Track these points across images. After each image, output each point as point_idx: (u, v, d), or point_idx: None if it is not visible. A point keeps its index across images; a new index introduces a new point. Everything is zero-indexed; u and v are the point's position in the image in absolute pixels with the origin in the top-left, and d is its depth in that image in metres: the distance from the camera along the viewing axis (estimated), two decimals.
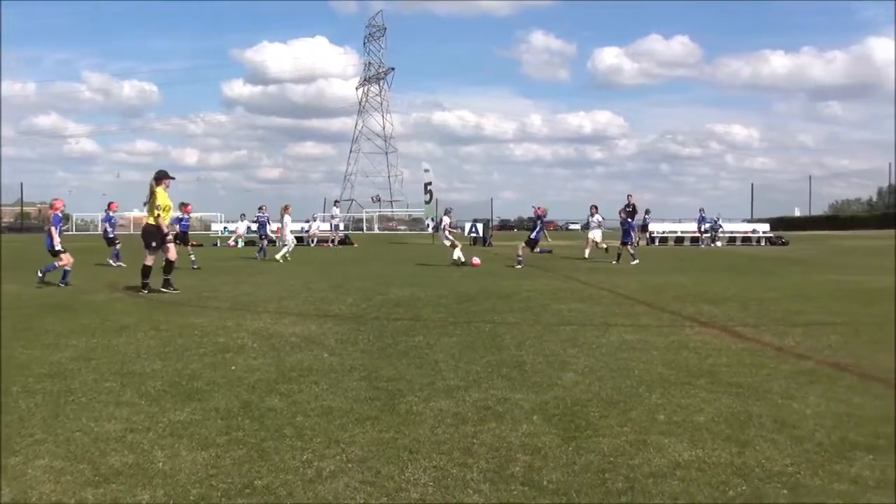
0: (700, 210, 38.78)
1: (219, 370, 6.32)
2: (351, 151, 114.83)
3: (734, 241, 40.38)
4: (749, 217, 68.23)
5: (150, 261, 12.52)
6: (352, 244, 38.22)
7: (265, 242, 25.12)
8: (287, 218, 23.76)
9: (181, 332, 8.27)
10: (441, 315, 9.84)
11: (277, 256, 22.33)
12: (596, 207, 24.77)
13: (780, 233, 44.64)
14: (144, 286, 12.43)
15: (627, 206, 25.55)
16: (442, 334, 8.21)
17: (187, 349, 7.27)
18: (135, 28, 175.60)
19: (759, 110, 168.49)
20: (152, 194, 12.29)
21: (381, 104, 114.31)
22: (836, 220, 77.17)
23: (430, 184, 39.30)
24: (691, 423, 4.69)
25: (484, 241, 37.90)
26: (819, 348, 7.27)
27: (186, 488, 3.65)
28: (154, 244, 12.32)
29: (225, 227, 41.76)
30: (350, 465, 3.96)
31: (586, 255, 23.48)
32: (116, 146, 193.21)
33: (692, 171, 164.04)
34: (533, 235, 20.20)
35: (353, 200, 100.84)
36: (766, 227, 43.97)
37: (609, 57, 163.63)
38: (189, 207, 21.25)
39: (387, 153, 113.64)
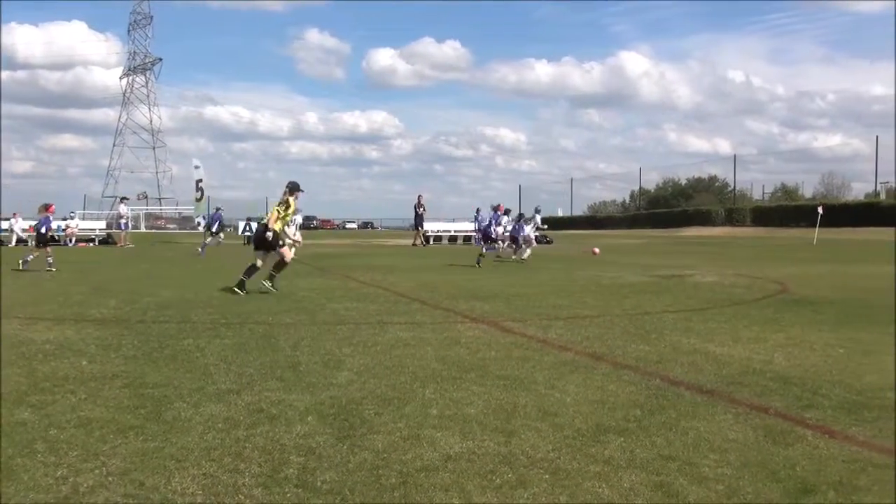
0: (476, 210, 40.29)
1: None
2: (114, 145, 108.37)
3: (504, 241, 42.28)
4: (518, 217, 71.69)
5: (259, 263, 12.79)
6: (115, 244, 35.99)
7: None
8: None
9: None
10: (212, 317, 9.51)
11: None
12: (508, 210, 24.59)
13: (545, 232, 47.34)
14: (240, 283, 12.50)
15: (418, 205, 26.38)
16: (213, 337, 7.94)
17: None
18: None
19: (526, 115, 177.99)
20: (286, 204, 12.79)
21: (148, 96, 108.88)
22: (594, 219, 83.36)
23: (200, 181, 37.78)
24: (462, 416, 4.86)
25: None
26: (578, 340, 7.79)
27: None
28: (268, 247, 12.69)
29: None
30: (111, 479, 3.73)
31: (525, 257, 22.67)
32: None
33: (465, 171, 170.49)
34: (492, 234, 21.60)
35: (116, 197, 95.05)
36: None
37: (384, 58, 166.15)
38: (52, 208, 19.68)
39: (154, 148, 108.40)
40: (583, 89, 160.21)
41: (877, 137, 64.77)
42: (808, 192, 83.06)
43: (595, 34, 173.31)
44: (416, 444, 4.29)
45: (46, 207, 18.82)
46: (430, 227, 41.61)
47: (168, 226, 70.81)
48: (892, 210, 52.57)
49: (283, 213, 12.77)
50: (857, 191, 74.11)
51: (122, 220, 35.53)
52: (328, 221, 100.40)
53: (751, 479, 3.74)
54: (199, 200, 38.61)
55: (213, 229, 28.41)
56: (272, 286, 12.61)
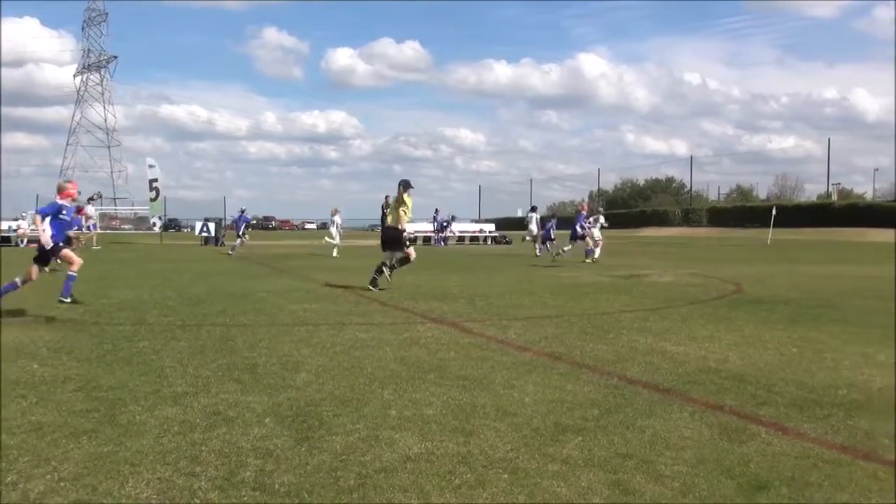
0: (435, 210, 40.36)
1: None
2: (68, 144, 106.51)
3: (463, 241, 42.40)
4: (477, 217, 72.04)
5: (410, 255, 13.18)
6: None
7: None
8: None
9: None
10: (168, 319, 9.39)
11: None
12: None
13: (505, 232, 47.60)
14: (373, 281, 13.01)
15: (386, 206, 27.07)
16: (169, 339, 7.84)
17: None
18: None
19: (485, 116, 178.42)
20: (402, 201, 13.11)
21: (103, 94, 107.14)
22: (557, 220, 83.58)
23: (155, 180, 37.36)
24: (421, 417, 4.85)
25: (216, 240, 36.76)
26: (537, 340, 7.83)
27: None
28: (398, 247, 13.12)
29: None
30: (63, 484, 3.66)
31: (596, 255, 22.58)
32: None
33: (424, 172, 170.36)
34: (578, 229, 21.22)
35: (85, 197, 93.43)
36: (493, 226, 46.68)
37: (342, 57, 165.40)
38: (84, 211, 20.81)
39: (109, 147, 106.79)
40: (542, 90, 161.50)
41: (829, 140, 66.36)
42: (762, 193, 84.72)
43: (554, 36, 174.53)
44: (375, 445, 4.28)
45: (78, 210, 19.44)
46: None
47: (123, 226, 69.71)
48: (844, 211, 53.75)
49: (408, 212, 13.24)
50: (810, 192, 75.72)
51: (91, 221, 34.89)
52: (287, 222, 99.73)
53: (706, 476, 3.79)
54: (153, 200, 38.12)
55: (240, 231, 28.09)
56: (389, 276, 13.22)
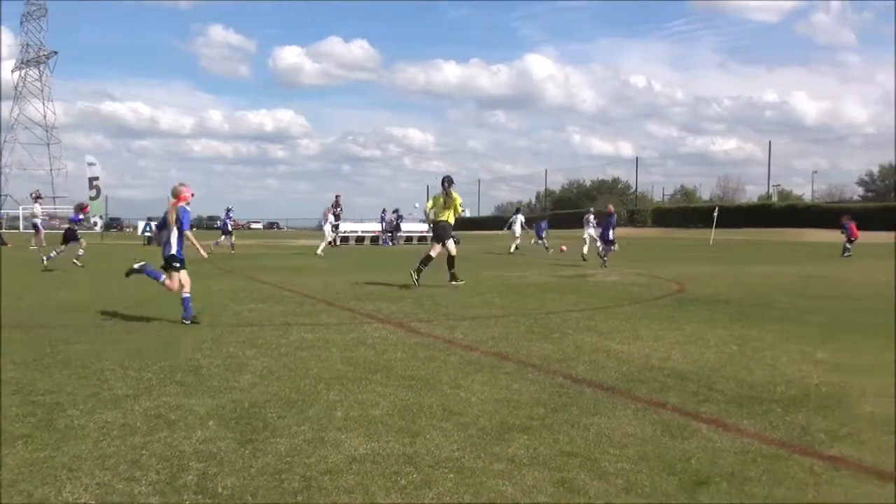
0: (383, 210, 40.25)
1: None
2: (5, 141, 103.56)
3: (411, 241, 42.35)
4: (423, 218, 71.97)
5: (435, 252, 13.98)
6: (5, 244, 34.43)
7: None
8: None
9: None
10: (109, 320, 9.20)
11: None
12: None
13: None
14: (419, 272, 13.69)
15: (335, 206, 27.91)
16: (110, 341, 7.69)
17: None
18: None
19: (434, 116, 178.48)
20: (449, 196, 13.87)
21: (42, 90, 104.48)
22: (502, 220, 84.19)
23: (96, 178, 36.63)
24: (367, 418, 4.84)
25: (150, 240, 36.15)
26: (484, 339, 7.86)
27: None
28: (445, 240, 13.92)
29: None
30: None
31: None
32: None
33: (373, 172, 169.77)
34: (610, 236, 20.75)
35: (8, 196, 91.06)
36: None
37: (290, 56, 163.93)
38: (87, 208, 21.12)
39: (48, 144, 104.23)
40: (490, 91, 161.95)
41: (769, 142, 67.87)
42: (705, 194, 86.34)
43: (502, 37, 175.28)
44: (321, 446, 4.25)
45: (82, 208, 19.93)
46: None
47: (63, 226, 68.19)
48: (784, 212, 55.05)
49: (458, 207, 14.04)
50: (752, 193, 77.44)
51: (37, 220, 33.87)
52: (235, 222, 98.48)
53: (648, 473, 3.85)
54: (94, 199, 37.33)
55: (228, 230, 28.78)
56: (457, 280, 14.07)
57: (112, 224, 67.25)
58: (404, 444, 4.31)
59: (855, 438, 4.45)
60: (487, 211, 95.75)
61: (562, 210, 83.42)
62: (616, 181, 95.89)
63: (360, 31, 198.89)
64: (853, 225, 26.57)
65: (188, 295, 9.22)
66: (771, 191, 66.06)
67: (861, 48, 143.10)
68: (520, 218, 30.82)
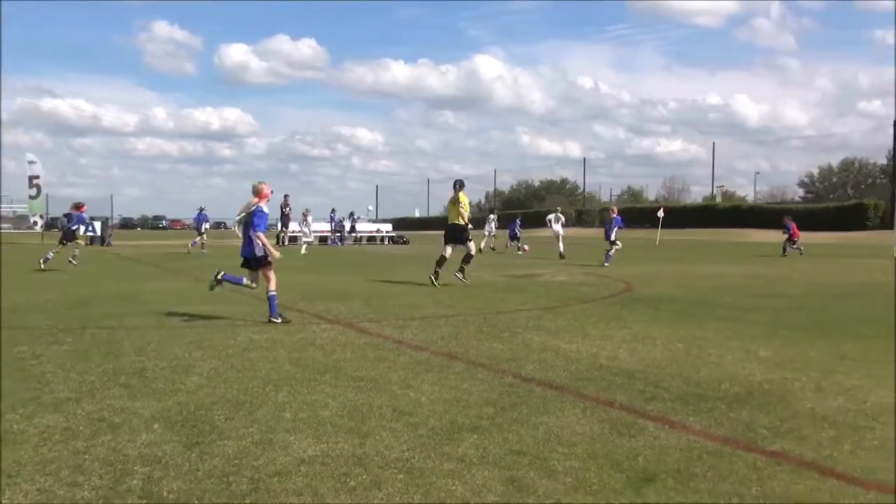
0: (332, 210, 39.99)
1: None
2: None
3: (360, 241, 42.19)
4: (374, 217, 71.73)
5: (447, 253, 14.34)
6: None
7: None
8: None
9: None
10: (49, 322, 8.99)
11: None
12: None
13: (402, 232, 47.64)
14: (436, 274, 14.11)
15: (285, 205, 28.31)
16: (51, 343, 7.51)
17: None
18: None
19: (383, 115, 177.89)
20: (457, 199, 14.20)
21: None
22: None
23: (36, 177, 35.67)
24: (316, 419, 4.81)
25: (102, 240, 35.43)
26: (433, 339, 7.87)
27: None
28: (460, 240, 14.26)
29: None
30: None
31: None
32: None
33: (321, 171, 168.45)
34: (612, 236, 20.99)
35: None
36: (390, 226, 46.62)
37: (237, 53, 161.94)
38: (84, 207, 20.65)
39: None
40: (439, 91, 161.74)
41: (713, 144, 69.11)
42: (651, 194, 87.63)
43: (451, 37, 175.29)
44: (269, 448, 4.21)
45: (78, 206, 19.75)
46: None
47: (2, 225, 66.38)
48: (728, 213, 56.15)
49: (466, 208, 14.37)
50: (696, 194, 78.79)
51: None
52: (178, 221, 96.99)
53: (596, 471, 3.89)
54: (34, 198, 36.41)
55: (202, 230, 28.61)
56: (464, 278, 14.34)
57: (53, 224, 65.64)
58: (353, 445, 4.29)
59: (796, 434, 4.55)
60: (436, 211, 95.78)
61: (511, 210, 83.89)
62: (564, 182, 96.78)
63: (308, 30, 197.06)
64: (794, 225, 27.29)
65: (274, 293, 9.12)
66: (715, 192, 67.35)
67: (800, 52, 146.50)
68: (492, 217, 32.43)
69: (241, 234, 9.41)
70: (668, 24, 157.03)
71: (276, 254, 9.57)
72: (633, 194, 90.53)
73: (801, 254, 26.18)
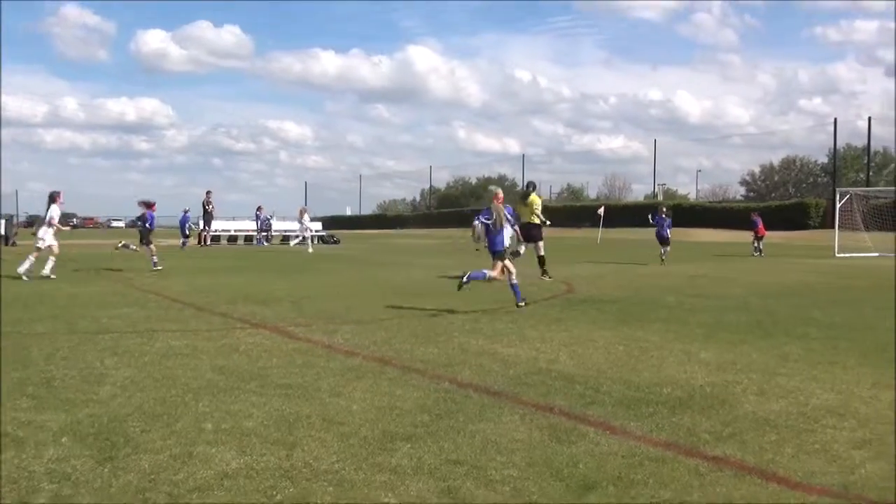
0: (258, 208, 39.52)
1: None
2: None
3: (288, 240, 41.75)
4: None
5: (523, 249, 16.04)
6: None
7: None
8: None
9: None
10: None
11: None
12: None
13: (333, 231, 47.34)
14: (543, 272, 15.81)
15: (207, 202, 27.97)
16: None
17: None
18: None
19: (312, 108, 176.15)
20: (526, 199, 15.98)
21: None
22: (384, 218, 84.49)
23: None
24: (240, 430, 4.74)
25: (6, 240, 34.33)
26: (366, 344, 7.84)
27: None
28: (534, 238, 15.81)
29: None
30: None
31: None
32: None
33: (246, 166, 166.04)
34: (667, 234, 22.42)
35: None
36: (319, 225, 46.22)
37: (154, 40, 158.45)
38: (155, 206, 20.18)
39: None
40: (371, 83, 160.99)
41: (655, 141, 70.33)
42: (592, 192, 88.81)
43: (384, 27, 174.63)
44: (189, 462, 4.14)
45: (149, 205, 19.42)
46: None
47: None
48: (670, 211, 57.08)
49: (537, 208, 15.96)
50: (638, 192, 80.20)
51: None
52: (90, 219, 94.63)
53: (536, 479, 3.92)
54: None
55: (187, 232, 29.28)
56: (548, 276, 15.68)
57: None
58: (280, 457, 4.24)
59: (737, 438, 4.66)
60: (368, 209, 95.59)
61: (448, 208, 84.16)
62: (503, 178, 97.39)
63: (232, 17, 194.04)
64: (761, 221, 27.96)
65: (517, 281, 10.90)
66: (656, 189, 68.64)
67: (742, 48, 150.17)
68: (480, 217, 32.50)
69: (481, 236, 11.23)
70: (607, 18, 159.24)
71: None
72: (574, 192, 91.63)
73: (760, 255, 26.83)
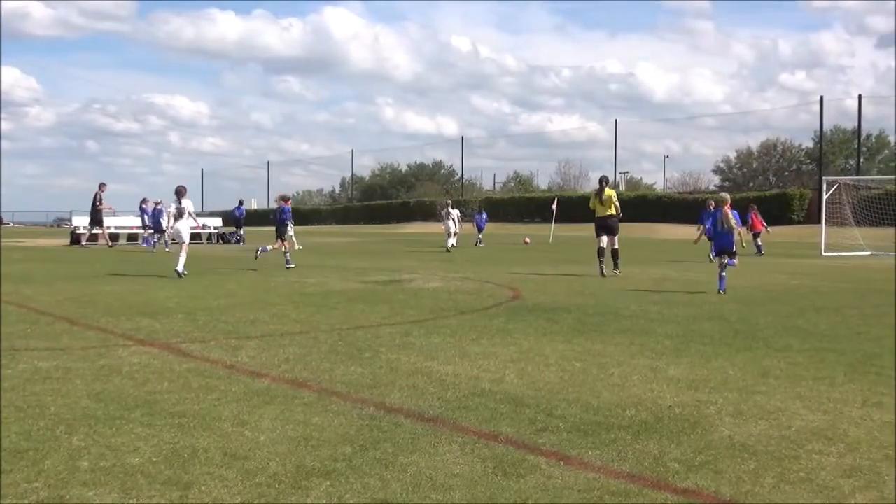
0: (142, 200, 38.90)
1: None
2: None
3: (200, 238, 41.19)
4: (200, 209, 70.30)
5: (603, 244, 18.55)
6: None
7: None
8: None
9: None
10: None
11: None
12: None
13: (232, 228, 46.85)
14: (616, 266, 18.80)
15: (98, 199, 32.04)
16: None
17: None
18: None
19: (208, 81, 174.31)
20: (602, 193, 18.71)
21: None
22: (297, 213, 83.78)
23: None
24: (123, 468, 4.68)
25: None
26: (276, 363, 7.80)
27: None
28: (612, 230, 18.77)
29: None
30: None
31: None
32: None
33: (128, 151, 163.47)
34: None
35: None
36: (219, 221, 45.71)
37: None
38: (289, 200, 23.08)
39: None
40: (279, 51, 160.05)
41: (615, 122, 71.25)
42: (543, 182, 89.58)
43: None
44: None
45: (285, 199, 22.35)
46: (82, 222, 39.14)
47: None
48: (633, 203, 57.99)
49: (615, 201, 18.86)
50: (595, 181, 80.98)
51: None
52: None
53: None
54: None
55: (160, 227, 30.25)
56: (619, 272, 18.57)
57: None
58: (172, 498, 4.20)
59: (711, 467, 4.76)
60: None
61: (373, 201, 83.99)
62: (438, 165, 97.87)
63: None
64: (754, 214, 28.42)
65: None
66: (618, 179, 69.63)
67: (714, 14, 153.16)
68: (455, 213, 34.34)
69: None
70: None
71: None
72: (522, 182, 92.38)
73: (741, 251, 27.30)
